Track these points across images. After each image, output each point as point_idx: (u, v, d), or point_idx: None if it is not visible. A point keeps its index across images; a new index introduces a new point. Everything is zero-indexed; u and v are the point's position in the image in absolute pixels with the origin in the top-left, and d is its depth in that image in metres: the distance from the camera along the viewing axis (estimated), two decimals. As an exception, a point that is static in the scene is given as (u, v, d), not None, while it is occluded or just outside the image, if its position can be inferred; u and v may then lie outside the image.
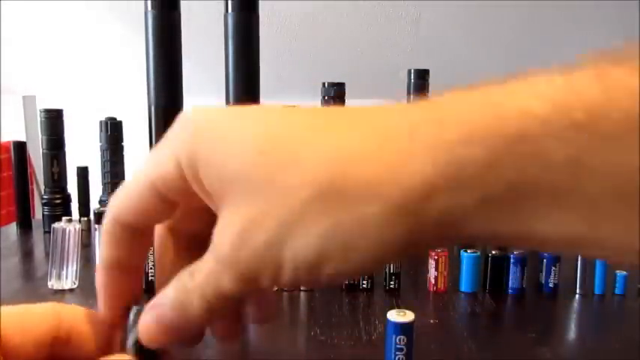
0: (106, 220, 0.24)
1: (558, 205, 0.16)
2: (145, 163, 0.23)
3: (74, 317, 0.25)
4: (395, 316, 0.38)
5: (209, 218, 0.21)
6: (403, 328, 0.37)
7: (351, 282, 0.60)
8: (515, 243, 0.20)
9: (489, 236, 0.18)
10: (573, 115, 0.15)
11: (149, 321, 0.22)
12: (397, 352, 0.38)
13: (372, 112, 0.20)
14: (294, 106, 0.22)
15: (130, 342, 0.23)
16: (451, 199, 0.17)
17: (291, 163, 0.18)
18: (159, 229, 0.25)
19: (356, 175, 0.18)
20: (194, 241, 0.24)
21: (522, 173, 0.16)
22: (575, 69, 0.16)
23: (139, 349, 0.22)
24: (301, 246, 0.18)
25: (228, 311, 0.22)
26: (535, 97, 0.16)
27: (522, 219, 0.17)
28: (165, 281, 0.22)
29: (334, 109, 0.22)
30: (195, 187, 0.21)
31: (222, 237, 0.20)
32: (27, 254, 0.75)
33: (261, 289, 0.20)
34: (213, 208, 0.21)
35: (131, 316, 0.24)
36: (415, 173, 0.17)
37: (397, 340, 0.37)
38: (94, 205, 0.77)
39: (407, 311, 0.38)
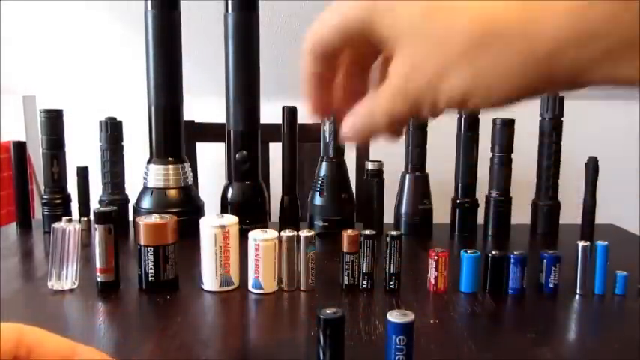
0: (307, 41, 0.31)
1: None
2: (327, 12, 0.29)
3: (35, 338, 0.28)
4: (395, 316, 0.38)
5: (371, 56, 0.31)
6: (403, 328, 0.38)
7: (351, 282, 0.60)
8: (627, 85, 0.24)
9: (609, 81, 0.23)
10: None
11: (350, 124, 0.31)
12: (397, 352, 0.38)
13: None
14: None
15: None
16: (580, 51, 0.22)
17: (449, 18, 0.24)
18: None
19: (501, 28, 0.23)
20: (358, 68, 0.33)
21: (632, 30, 0.21)
22: None
23: None
24: (453, 86, 0.25)
25: (403, 121, 0.29)
26: None
27: (635, 65, 0.22)
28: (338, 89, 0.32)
29: None
30: (375, 32, 0.27)
31: (397, 72, 0.27)
32: (27, 254, 0.75)
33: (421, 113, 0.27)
34: (384, 47, 0.28)
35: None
36: (553, 28, 0.22)
37: (397, 340, 0.38)
38: (94, 205, 0.77)
39: (407, 311, 0.38)
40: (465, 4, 0.24)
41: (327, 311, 0.37)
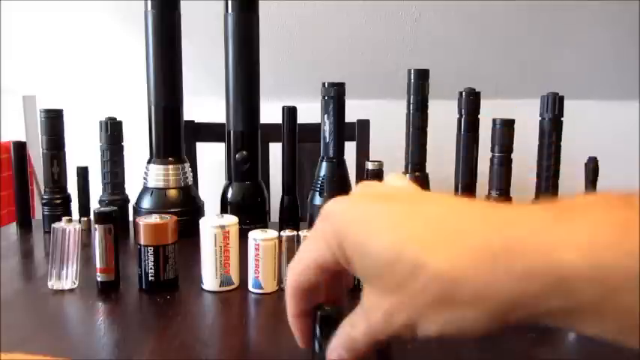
0: (287, 287, 0.35)
1: (584, 319, 0.24)
2: (305, 247, 0.34)
3: None
4: None
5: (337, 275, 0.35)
6: None
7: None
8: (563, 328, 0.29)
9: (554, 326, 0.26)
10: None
11: (335, 356, 0.33)
12: None
13: (472, 230, 0.27)
14: (418, 199, 0.32)
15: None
16: (524, 311, 0.25)
17: (414, 275, 0.27)
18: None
19: (462, 289, 0.26)
20: (334, 281, 0.37)
21: (565, 301, 0.24)
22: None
23: None
24: (428, 329, 0.28)
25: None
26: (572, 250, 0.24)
27: (569, 323, 0.25)
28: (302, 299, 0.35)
29: (436, 214, 0.29)
30: (346, 265, 0.31)
31: (375, 312, 0.30)
32: (27, 254, 0.75)
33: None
34: (356, 274, 0.32)
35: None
36: (503, 292, 0.25)
37: None
38: (94, 205, 0.77)
39: None
40: (428, 258, 0.27)
41: (325, 308, 0.39)
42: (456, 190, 0.86)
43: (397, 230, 0.28)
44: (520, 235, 0.25)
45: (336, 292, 0.36)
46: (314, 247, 0.33)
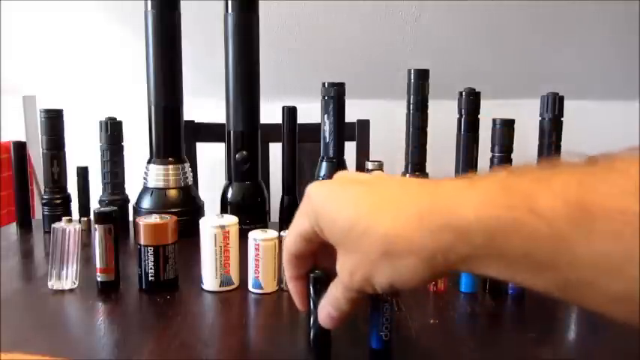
0: (283, 254, 0.44)
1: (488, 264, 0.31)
2: (294, 222, 0.41)
3: None
4: None
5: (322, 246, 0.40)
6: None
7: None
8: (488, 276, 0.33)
9: (480, 274, 0.35)
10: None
11: (324, 315, 0.41)
12: (384, 303, 0.44)
13: (409, 199, 0.35)
14: (377, 181, 0.39)
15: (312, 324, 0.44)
16: (445, 259, 0.32)
17: (366, 236, 0.35)
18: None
19: (400, 244, 0.33)
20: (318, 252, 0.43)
21: (467, 248, 0.31)
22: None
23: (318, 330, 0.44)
24: (381, 281, 0.35)
25: (360, 299, 0.40)
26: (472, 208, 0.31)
27: (475, 267, 0.32)
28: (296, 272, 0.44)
29: (389, 191, 0.37)
30: (321, 235, 0.38)
31: (343, 272, 0.37)
32: (27, 254, 0.75)
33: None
34: (329, 241, 0.38)
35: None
36: (428, 244, 0.32)
37: (384, 295, 0.44)
38: (94, 205, 0.77)
39: None
40: (376, 223, 0.34)
41: (317, 271, 0.45)
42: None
43: (357, 204, 0.36)
44: (440, 199, 0.33)
45: (327, 260, 0.41)
46: (299, 221, 0.40)
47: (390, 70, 1.67)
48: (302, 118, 0.86)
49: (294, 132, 0.84)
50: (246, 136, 0.83)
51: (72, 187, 0.85)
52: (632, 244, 0.24)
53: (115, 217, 0.59)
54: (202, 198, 0.88)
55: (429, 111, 0.84)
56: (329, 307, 0.40)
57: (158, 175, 0.82)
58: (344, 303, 0.39)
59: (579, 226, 0.26)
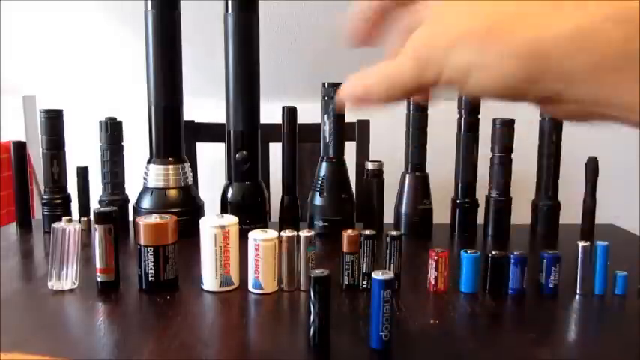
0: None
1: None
2: None
3: None
4: (379, 274, 0.45)
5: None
6: (388, 284, 0.45)
7: (351, 282, 0.60)
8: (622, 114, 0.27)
9: (600, 105, 0.27)
10: None
11: (350, 86, 0.34)
12: (384, 304, 0.45)
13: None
14: None
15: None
16: (571, 61, 0.25)
17: (475, 4, 0.28)
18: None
19: (508, 26, 0.27)
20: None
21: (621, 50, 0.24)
22: None
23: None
24: (458, 62, 0.28)
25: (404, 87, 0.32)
26: None
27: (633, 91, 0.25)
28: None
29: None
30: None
31: (420, 38, 0.30)
32: (27, 254, 0.75)
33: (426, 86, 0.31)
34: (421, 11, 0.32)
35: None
36: (553, 34, 0.26)
37: (384, 294, 0.45)
38: (94, 205, 0.77)
39: (387, 271, 0.46)
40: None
41: (317, 271, 0.45)
42: (456, 190, 0.86)
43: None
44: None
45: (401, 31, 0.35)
46: None
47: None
48: (302, 118, 0.86)
49: (294, 132, 0.84)
50: (246, 136, 0.83)
51: (72, 187, 0.85)
52: None
53: (115, 217, 0.59)
54: (202, 198, 0.88)
55: (429, 111, 0.84)
56: (365, 80, 0.33)
57: (158, 175, 0.82)
58: (385, 81, 0.32)
59: None
